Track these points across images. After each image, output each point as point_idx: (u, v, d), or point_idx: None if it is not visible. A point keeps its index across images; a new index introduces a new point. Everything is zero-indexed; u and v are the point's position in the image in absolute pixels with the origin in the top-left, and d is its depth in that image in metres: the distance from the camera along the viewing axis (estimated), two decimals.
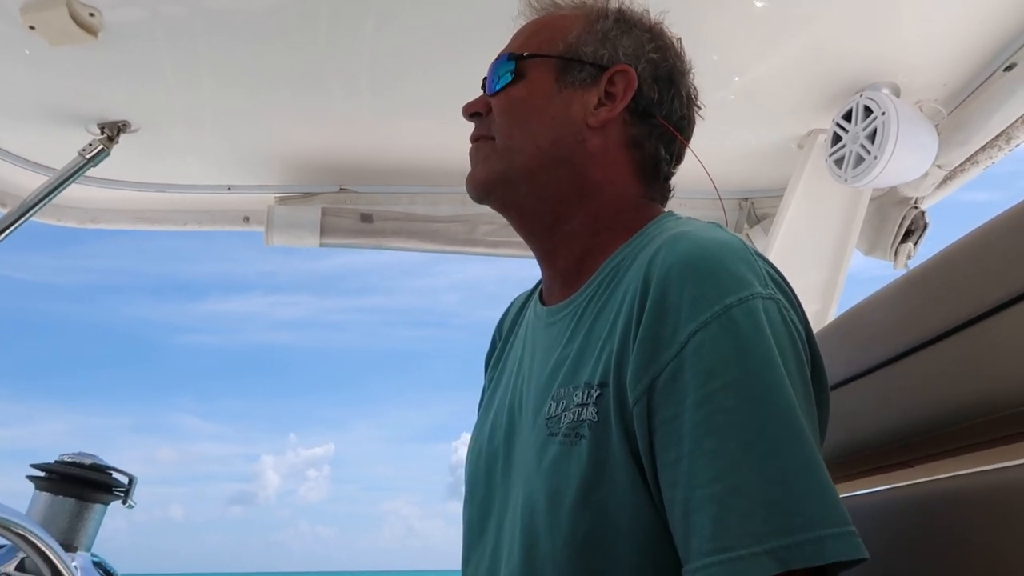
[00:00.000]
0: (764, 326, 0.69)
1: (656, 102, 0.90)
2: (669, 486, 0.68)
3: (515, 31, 0.97)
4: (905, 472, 0.86)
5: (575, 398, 0.77)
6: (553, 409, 0.79)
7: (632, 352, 0.72)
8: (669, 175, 0.94)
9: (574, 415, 0.76)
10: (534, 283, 1.03)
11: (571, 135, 0.88)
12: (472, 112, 0.93)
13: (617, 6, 0.93)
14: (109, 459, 1.41)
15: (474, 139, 0.93)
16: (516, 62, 0.90)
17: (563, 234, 0.89)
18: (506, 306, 1.10)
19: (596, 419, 0.74)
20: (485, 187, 0.91)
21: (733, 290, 0.70)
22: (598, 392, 0.74)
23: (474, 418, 1.03)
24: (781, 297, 0.73)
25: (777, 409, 0.66)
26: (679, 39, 0.95)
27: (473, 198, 0.93)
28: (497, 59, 0.93)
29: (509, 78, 0.90)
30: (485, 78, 0.95)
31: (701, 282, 0.70)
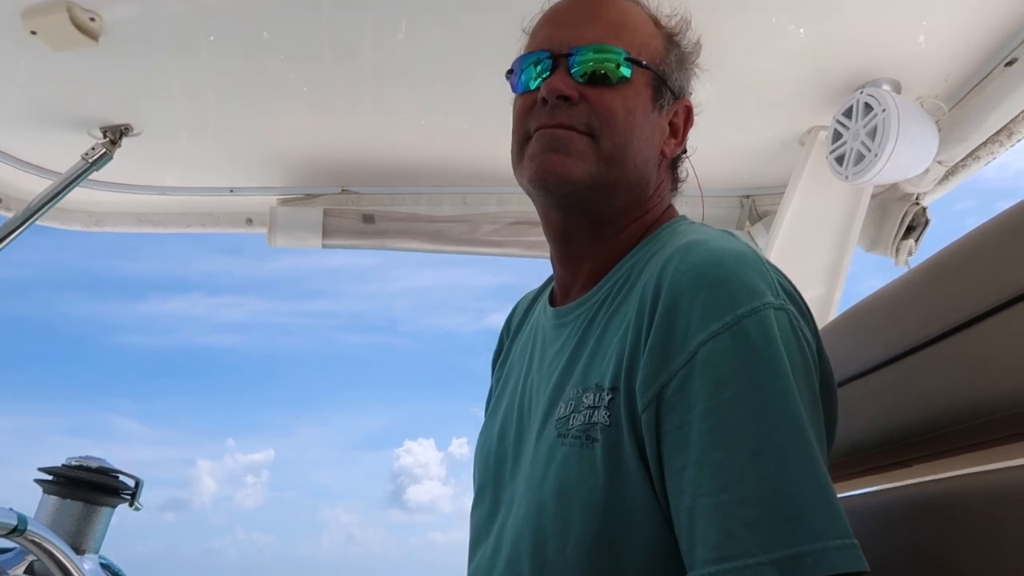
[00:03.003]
0: (775, 337, 0.69)
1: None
2: (676, 493, 0.69)
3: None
4: (902, 472, 0.87)
5: (585, 400, 0.77)
6: (563, 410, 0.79)
7: (642, 358, 0.72)
8: None
9: (585, 417, 0.76)
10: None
11: (653, 160, 0.90)
12: (562, 95, 0.84)
13: (687, 28, 0.95)
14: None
15: (560, 126, 0.84)
16: (632, 65, 0.85)
17: (611, 243, 0.89)
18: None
19: (608, 423, 0.74)
20: (574, 186, 0.84)
21: (745, 300, 0.70)
22: (610, 396, 0.75)
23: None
24: (792, 308, 0.74)
25: (786, 420, 0.66)
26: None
27: (546, 187, 0.85)
28: (601, 46, 0.85)
29: (624, 78, 0.85)
30: (561, 55, 0.86)
31: (713, 291, 0.71)
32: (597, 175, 0.84)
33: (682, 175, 0.97)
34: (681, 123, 0.93)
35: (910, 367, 0.85)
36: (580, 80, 0.84)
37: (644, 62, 0.86)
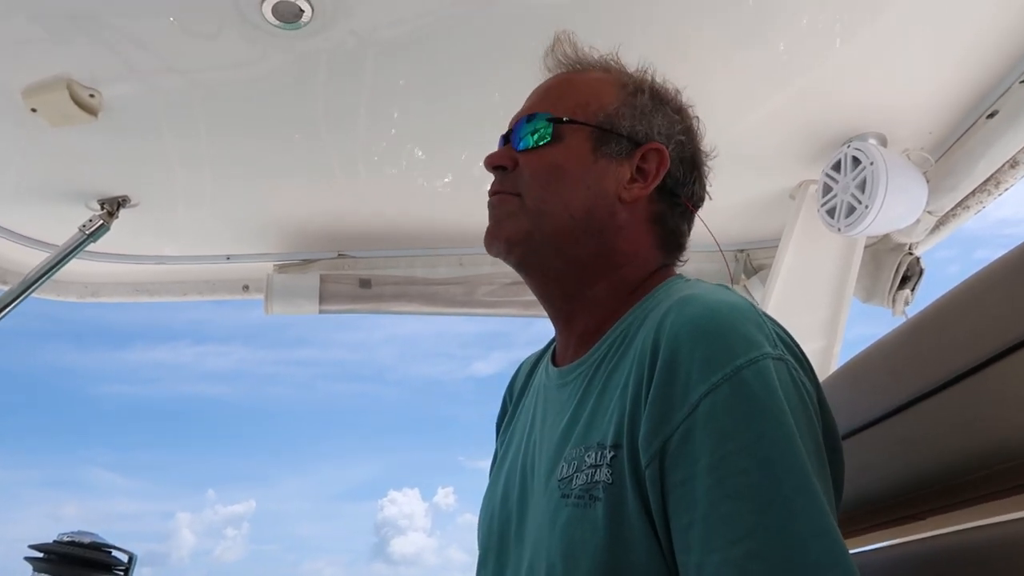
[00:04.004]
0: (775, 386, 0.69)
1: (680, 182, 0.92)
2: (683, 550, 0.67)
3: (542, 83, 0.96)
4: (916, 525, 0.85)
5: (587, 459, 0.76)
6: (565, 470, 0.78)
7: (644, 413, 0.72)
8: (685, 246, 0.96)
9: (587, 476, 0.75)
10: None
11: (603, 207, 0.88)
12: (496, 165, 0.92)
13: (650, 81, 0.95)
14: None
15: (495, 192, 0.92)
16: (554, 124, 0.89)
17: (586, 299, 0.90)
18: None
19: (611, 481, 0.73)
20: (509, 243, 0.89)
21: (743, 351, 0.70)
22: (612, 453, 0.74)
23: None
24: (790, 357, 0.73)
25: (791, 471, 0.65)
26: (698, 118, 0.97)
27: (493, 253, 0.91)
28: (530, 115, 0.91)
29: (546, 139, 0.89)
30: (510, 132, 0.94)
31: (711, 344, 0.70)
32: (530, 229, 0.88)
33: (683, 230, 0.94)
34: (652, 167, 0.90)
35: (916, 417, 0.84)
36: (520, 151, 0.91)
37: (566, 118, 0.89)
